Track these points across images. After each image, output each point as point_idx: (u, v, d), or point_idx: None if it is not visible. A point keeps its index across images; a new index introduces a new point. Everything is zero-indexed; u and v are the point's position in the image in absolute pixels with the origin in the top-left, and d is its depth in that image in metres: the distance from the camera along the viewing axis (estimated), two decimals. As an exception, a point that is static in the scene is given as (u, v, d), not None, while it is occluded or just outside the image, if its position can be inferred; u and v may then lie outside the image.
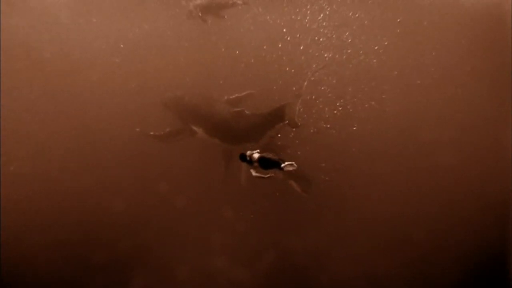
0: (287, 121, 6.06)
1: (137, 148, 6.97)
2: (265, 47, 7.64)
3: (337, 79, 7.30)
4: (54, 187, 6.70)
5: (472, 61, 7.41)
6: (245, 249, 6.79)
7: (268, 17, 8.00)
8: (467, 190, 6.68)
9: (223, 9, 7.75)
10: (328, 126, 7.08)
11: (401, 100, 7.43)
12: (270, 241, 6.86)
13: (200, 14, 7.56)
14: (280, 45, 7.56)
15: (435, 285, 6.35)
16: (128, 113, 7.23)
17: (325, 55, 7.45)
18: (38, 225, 6.32)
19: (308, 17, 7.63)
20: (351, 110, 7.29)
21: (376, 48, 7.51)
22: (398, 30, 7.63)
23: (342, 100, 7.22)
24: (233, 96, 6.89)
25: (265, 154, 3.83)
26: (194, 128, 6.49)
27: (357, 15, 7.65)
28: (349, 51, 7.52)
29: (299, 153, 6.50)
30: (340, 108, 7.19)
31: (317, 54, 7.45)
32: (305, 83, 6.18)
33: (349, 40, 7.56)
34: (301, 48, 7.51)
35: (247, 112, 6.25)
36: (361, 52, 7.55)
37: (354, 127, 7.25)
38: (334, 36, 7.57)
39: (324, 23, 7.56)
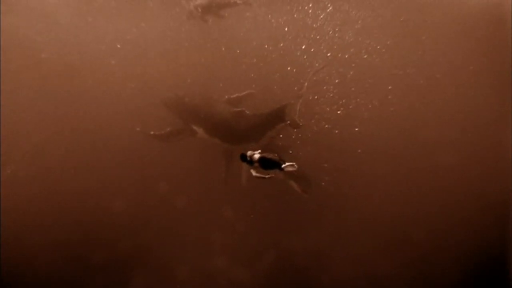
0: (288, 122, 6.04)
1: (137, 148, 6.97)
2: (266, 46, 7.61)
3: (340, 79, 7.28)
4: (54, 187, 6.69)
5: (472, 61, 7.42)
6: (245, 249, 6.79)
7: (269, 16, 7.96)
8: (467, 190, 6.68)
9: (224, 8, 7.71)
10: (330, 126, 7.05)
11: (402, 100, 7.42)
12: (270, 241, 6.86)
13: (200, 14, 7.53)
14: (281, 44, 7.54)
15: (435, 285, 6.36)
16: (129, 112, 7.23)
17: (328, 54, 7.40)
18: (38, 225, 6.32)
19: (310, 16, 7.59)
20: (353, 110, 7.26)
21: (378, 47, 7.49)
22: (400, 30, 7.62)
23: (344, 100, 7.19)
24: (234, 96, 6.88)
25: (265, 155, 3.82)
26: (195, 128, 6.49)
27: (359, 14, 7.60)
28: (352, 50, 7.48)
29: (300, 153, 6.49)
30: (342, 108, 7.17)
31: (319, 53, 7.41)
32: (306, 84, 6.15)
33: (352, 39, 7.52)
34: (303, 47, 7.48)
35: (247, 112, 6.23)
36: (363, 51, 7.51)
37: (356, 127, 7.24)
38: (336, 35, 7.54)
39: (326, 22, 7.52)
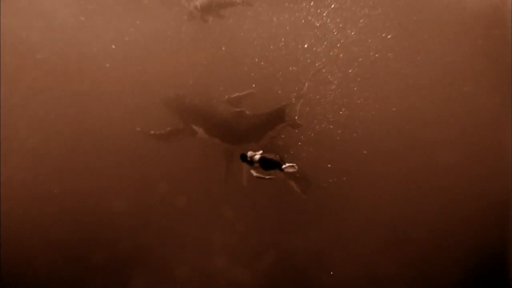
0: (288, 122, 6.03)
1: (137, 148, 6.96)
2: (267, 45, 7.54)
3: (342, 79, 7.24)
4: (54, 187, 6.69)
5: (472, 61, 7.42)
6: (245, 249, 6.78)
7: (270, 15, 7.89)
8: (467, 190, 6.69)
9: (224, 8, 7.68)
10: (332, 126, 7.03)
11: (404, 100, 7.40)
12: (270, 241, 6.86)
13: (200, 14, 7.50)
14: (283, 43, 7.46)
15: (435, 285, 6.36)
16: (129, 112, 7.21)
17: (330, 53, 7.33)
18: (38, 225, 6.31)
19: (312, 14, 7.50)
20: (355, 110, 7.23)
21: (381, 46, 7.44)
22: (402, 28, 7.56)
23: (346, 100, 7.15)
24: (234, 96, 6.86)
25: (266, 155, 3.82)
26: (195, 127, 6.48)
27: (362, 12, 7.54)
28: (354, 49, 7.43)
29: (302, 154, 6.48)
30: (343, 109, 7.13)
31: (321, 52, 7.35)
32: (306, 84, 6.15)
33: (354, 38, 7.46)
34: (305, 46, 7.41)
35: (247, 112, 6.23)
36: (366, 50, 7.46)
37: (358, 127, 7.21)
38: (338, 34, 7.48)
39: (329, 20, 7.44)
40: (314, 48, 7.41)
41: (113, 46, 7.77)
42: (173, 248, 6.73)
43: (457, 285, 6.23)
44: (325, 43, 7.46)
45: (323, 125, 6.98)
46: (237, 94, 6.89)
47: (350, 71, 7.38)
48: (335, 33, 7.50)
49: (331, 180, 6.67)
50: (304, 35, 7.48)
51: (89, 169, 6.93)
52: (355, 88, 7.31)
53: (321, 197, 6.72)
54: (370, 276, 6.37)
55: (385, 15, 7.64)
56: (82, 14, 7.75)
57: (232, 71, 7.54)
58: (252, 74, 7.35)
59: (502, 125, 6.83)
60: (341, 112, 7.13)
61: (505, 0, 7.09)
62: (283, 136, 6.43)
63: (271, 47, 7.53)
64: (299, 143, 6.65)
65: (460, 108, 7.24)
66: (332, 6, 7.40)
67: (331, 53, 7.38)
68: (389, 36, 7.47)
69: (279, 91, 7.05)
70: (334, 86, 7.14)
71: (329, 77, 7.17)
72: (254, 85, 7.09)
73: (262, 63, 7.46)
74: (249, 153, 3.98)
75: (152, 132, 6.58)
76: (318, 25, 7.49)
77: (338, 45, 7.43)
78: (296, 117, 6.00)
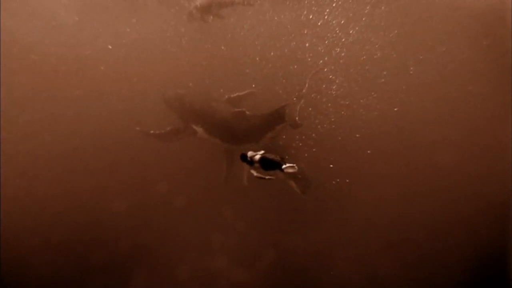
0: (288, 122, 6.01)
1: (137, 148, 6.95)
2: (268, 44, 7.46)
3: (344, 78, 7.20)
4: (54, 187, 6.68)
5: (472, 61, 7.41)
6: (245, 249, 6.78)
7: (271, 13, 7.81)
8: (467, 190, 6.69)
9: (224, 8, 7.66)
10: (334, 126, 6.99)
11: (405, 100, 7.36)
12: (270, 241, 6.86)
13: (200, 15, 7.49)
14: (284, 42, 7.38)
15: (436, 285, 6.36)
16: (129, 112, 7.21)
17: (332, 53, 7.26)
18: (38, 225, 6.31)
19: (313, 12, 7.41)
20: (357, 110, 7.19)
21: (383, 45, 7.39)
22: (404, 28, 7.50)
23: (348, 100, 7.11)
24: (234, 95, 6.85)
25: (267, 155, 3.82)
26: (195, 127, 6.47)
27: (364, 11, 7.49)
28: (356, 47, 7.34)
29: (304, 154, 6.46)
30: (345, 109, 7.08)
31: (323, 51, 7.28)
32: (307, 84, 6.12)
33: (356, 37, 7.38)
34: (307, 45, 7.34)
35: (247, 112, 6.21)
36: (369, 48, 7.40)
37: (360, 128, 7.16)
38: (340, 33, 7.41)
39: (331, 19, 7.35)
40: (316, 48, 7.33)
41: (113, 46, 7.76)
42: (173, 248, 6.73)
43: (457, 285, 6.23)
44: (326, 42, 7.38)
45: (325, 125, 6.96)
46: (237, 94, 6.87)
47: (352, 70, 7.33)
48: (337, 32, 7.42)
49: (334, 182, 6.63)
50: (305, 34, 7.41)
51: (89, 169, 6.92)
52: (357, 88, 7.27)
53: (321, 197, 6.71)
54: (370, 276, 6.37)
55: (387, 14, 7.58)
56: (82, 14, 7.74)
57: (233, 71, 7.51)
58: (253, 74, 7.32)
59: (502, 125, 6.83)
60: (343, 112, 7.09)
61: (505, 0, 7.09)
62: (284, 136, 6.40)
63: (272, 46, 7.47)
64: (301, 144, 6.63)
65: (461, 108, 7.23)
66: (334, 4, 7.31)
67: (333, 52, 7.31)
68: (391, 35, 7.40)
69: (280, 91, 7.02)
70: (336, 86, 7.09)
71: (331, 76, 7.11)
72: (254, 85, 7.08)
73: (263, 63, 7.41)
74: (249, 153, 3.98)
75: (152, 131, 6.55)
76: (319, 23, 7.41)
77: (340, 44, 7.35)
78: (296, 117, 5.97)
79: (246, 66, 7.47)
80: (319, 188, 6.40)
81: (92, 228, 6.49)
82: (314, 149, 6.60)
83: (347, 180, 6.60)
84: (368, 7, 7.50)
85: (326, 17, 7.40)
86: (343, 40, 7.44)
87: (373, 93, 7.28)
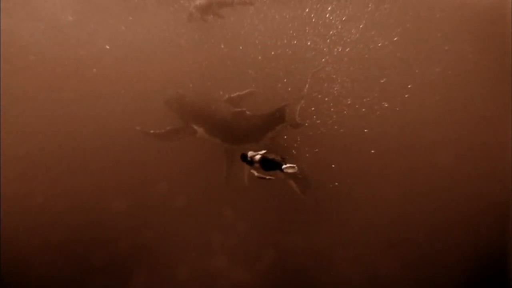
0: (288, 122, 5.99)
1: (137, 148, 6.94)
2: (269, 43, 7.40)
3: (346, 77, 7.14)
4: (54, 187, 6.68)
5: (472, 61, 7.40)
6: (245, 249, 6.78)
7: (272, 12, 7.73)
8: (467, 190, 6.69)
9: (224, 7, 7.61)
10: (335, 126, 6.96)
11: (406, 100, 7.33)
12: (270, 241, 6.86)
13: (200, 15, 7.46)
14: (285, 41, 7.31)
15: (436, 285, 6.36)
16: (128, 111, 7.19)
17: (334, 52, 7.20)
18: (38, 225, 6.30)
19: (315, 11, 7.34)
20: (359, 110, 7.15)
21: (386, 43, 7.33)
22: (405, 27, 7.44)
23: (349, 100, 7.06)
24: (234, 95, 6.82)
25: (268, 155, 3.80)
26: (195, 127, 6.46)
27: (366, 9, 7.40)
28: (359, 46, 7.29)
29: (305, 154, 6.44)
30: (347, 108, 7.04)
31: (324, 50, 7.22)
32: (308, 83, 6.09)
33: (358, 36, 7.32)
34: (308, 44, 7.28)
35: (248, 112, 6.20)
36: (371, 47, 7.34)
37: (361, 127, 7.13)
38: (342, 32, 7.35)
39: (332, 17, 7.28)
40: (317, 46, 7.28)
41: (113, 46, 7.74)
42: (173, 248, 6.73)
43: (457, 285, 6.23)
44: (328, 40, 7.32)
45: (327, 125, 6.93)
46: (237, 93, 6.85)
47: (354, 69, 7.28)
48: (339, 30, 7.36)
49: (336, 183, 6.61)
50: (306, 32, 7.35)
51: (89, 169, 6.91)
52: (359, 87, 7.22)
53: (321, 197, 6.71)
54: (371, 276, 6.38)
55: (389, 12, 7.53)
56: (80, 14, 7.72)
57: (233, 70, 7.48)
58: (253, 73, 7.29)
59: (502, 125, 6.83)
60: (345, 112, 7.06)
61: (505, 0, 7.08)
62: (285, 136, 6.37)
63: (273, 45, 7.41)
64: (302, 144, 6.62)
65: (461, 108, 7.23)
66: (336, 2, 7.24)
67: (335, 51, 7.26)
68: (393, 33, 7.34)
69: (281, 90, 7.00)
70: (338, 85, 7.04)
71: (333, 75, 7.06)
72: (254, 85, 7.06)
73: (264, 62, 7.36)
74: (250, 153, 3.96)
75: (152, 131, 6.52)
76: (321, 22, 7.35)
77: (342, 43, 7.30)
78: (296, 117, 5.95)
79: (246, 65, 7.43)
80: (319, 188, 6.40)
81: (92, 228, 6.48)
82: (315, 149, 6.57)
83: (348, 181, 6.58)
84: (370, 5, 7.42)
85: (327, 15, 7.33)
86: (345, 38, 7.38)
87: (375, 93, 7.24)
